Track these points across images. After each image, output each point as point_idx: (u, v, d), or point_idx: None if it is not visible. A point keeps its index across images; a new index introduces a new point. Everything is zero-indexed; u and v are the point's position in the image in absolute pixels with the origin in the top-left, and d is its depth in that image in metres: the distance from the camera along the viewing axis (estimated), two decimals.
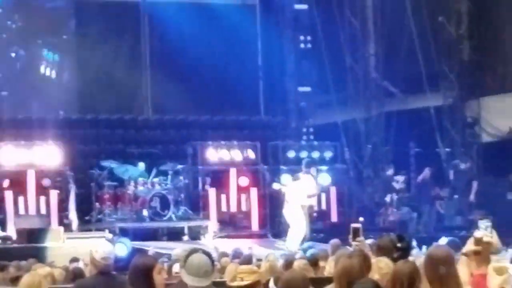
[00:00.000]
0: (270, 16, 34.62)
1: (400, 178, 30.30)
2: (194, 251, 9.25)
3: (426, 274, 8.80)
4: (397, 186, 30.24)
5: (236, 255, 19.73)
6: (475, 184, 29.70)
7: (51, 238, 25.47)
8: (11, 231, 26.99)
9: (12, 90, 32.95)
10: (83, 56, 33.52)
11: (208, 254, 9.16)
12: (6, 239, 26.65)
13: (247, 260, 17.27)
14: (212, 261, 9.23)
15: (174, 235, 27.24)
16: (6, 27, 33.27)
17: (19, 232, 26.56)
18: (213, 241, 26.53)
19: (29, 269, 15.98)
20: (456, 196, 30.08)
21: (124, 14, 34.29)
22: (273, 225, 28.46)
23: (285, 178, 27.21)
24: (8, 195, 27.51)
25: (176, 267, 14.29)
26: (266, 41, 34.64)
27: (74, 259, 18.40)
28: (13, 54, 33.34)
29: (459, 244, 14.13)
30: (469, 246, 9.73)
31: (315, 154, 30.12)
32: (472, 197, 29.65)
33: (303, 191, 25.77)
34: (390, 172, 30.84)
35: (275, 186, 27.11)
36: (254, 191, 29.19)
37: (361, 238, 12.00)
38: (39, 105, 32.97)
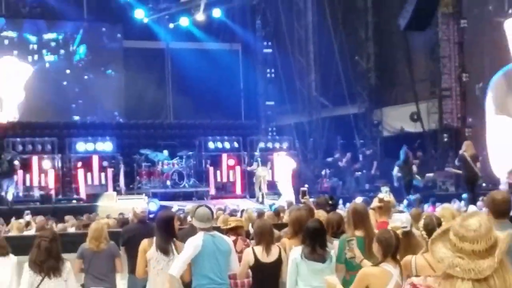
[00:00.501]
0: (248, 56, 34.61)
1: (344, 159, 30.22)
2: (200, 205, 9.27)
3: (353, 220, 8.83)
4: (341, 164, 30.15)
5: (226, 209, 19.75)
6: (375, 164, 29.71)
7: (108, 199, 25.46)
8: (82, 195, 27.02)
9: (84, 101, 32.99)
10: (129, 80, 33.50)
11: (209, 208, 9.19)
12: (79, 200, 26.68)
13: (233, 213, 17.30)
14: (212, 212, 9.25)
15: (187, 197, 27.20)
16: (81, 59, 33.25)
17: (88, 195, 26.54)
18: (212, 200, 26.60)
19: (94, 219, 16.01)
20: (365, 171, 30.06)
21: (155, 54, 34.37)
22: (250, 190, 28.42)
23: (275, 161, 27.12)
24: (80, 172, 27.48)
25: (188, 218, 14.26)
26: (245, 72, 34.68)
27: (121, 213, 18.36)
28: (85, 77, 33.29)
29: (368, 201, 14.15)
30: (375, 203, 9.80)
31: (277, 145, 30.10)
32: (373, 171, 29.69)
33: (287, 168, 25.85)
34: (337, 155, 30.63)
35: (248, 168, 27.33)
36: (238, 168, 29.11)
37: (307, 197, 12.02)
38: (101, 111, 33.02)
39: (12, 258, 10.04)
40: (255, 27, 34.10)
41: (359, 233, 8.72)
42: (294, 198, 21.57)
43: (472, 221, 3.83)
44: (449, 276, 3.82)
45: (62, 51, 33.06)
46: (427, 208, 18.18)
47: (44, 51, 32.74)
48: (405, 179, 23.25)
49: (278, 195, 26.43)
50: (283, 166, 26.08)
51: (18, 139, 27.31)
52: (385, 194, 9.79)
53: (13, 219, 17.75)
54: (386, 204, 9.76)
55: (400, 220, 8.92)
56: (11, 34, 32.28)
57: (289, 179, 25.73)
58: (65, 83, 32.89)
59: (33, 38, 32.60)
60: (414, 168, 23.99)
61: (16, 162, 25.37)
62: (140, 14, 33.23)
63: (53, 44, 32.96)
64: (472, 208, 16.23)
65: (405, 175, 23.33)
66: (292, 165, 26.76)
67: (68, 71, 33.08)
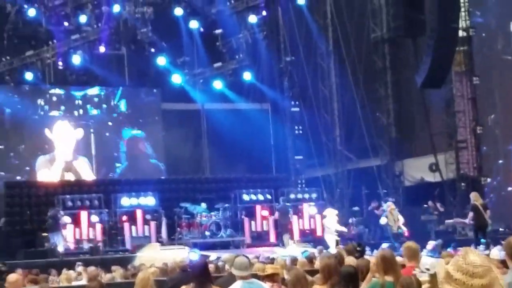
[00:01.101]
0: (277, 115, 34.69)
1: (380, 208, 29.78)
2: (238, 255, 9.29)
3: (382, 266, 8.71)
4: (377, 212, 29.73)
5: (260, 257, 19.59)
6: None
7: (151, 250, 25.38)
8: (128, 246, 26.94)
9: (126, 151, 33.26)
10: (167, 139, 33.74)
11: (246, 257, 9.21)
12: (125, 251, 26.59)
13: (268, 260, 17.16)
14: (249, 261, 9.25)
15: (224, 246, 26.90)
16: (120, 113, 33.55)
17: (133, 247, 26.49)
18: (247, 249, 26.42)
19: (140, 269, 15.93)
20: None
21: (192, 115, 34.59)
22: (281, 238, 28.13)
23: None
24: (126, 225, 27.38)
25: (226, 266, 14.16)
26: (275, 129, 34.67)
27: (165, 263, 18.29)
28: (125, 128, 33.78)
29: (394, 247, 14.01)
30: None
31: (306, 195, 29.98)
32: None
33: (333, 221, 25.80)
34: (373, 204, 30.12)
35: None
36: (271, 218, 28.84)
37: (339, 246, 11.96)
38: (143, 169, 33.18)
39: None
40: (283, 88, 34.32)
41: (389, 278, 8.63)
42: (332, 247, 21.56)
43: (474, 258, 3.80)
44: None
45: (104, 106, 33.50)
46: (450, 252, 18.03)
47: (88, 106, 33.16)
48: (393, 228, 24.65)
49: (310, 243, 26.21)
50: (329, 218, 25.93)
51: (68, 196, 27.37)
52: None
53: (64, 270, 17.76)
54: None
55: (426, 264, 8.80)
56: (59, 91, 32.93)
57: (333, 231, 25.59)
58: (107, 134, 33.22)
59: (78, 95, 33.13)
60: (401, 220, 24.80)
61: (63, 218, 25.57)
62: (177, 79, 33.67)
63: (96, 99, 33.41)
64: (494, 252, 16.08)
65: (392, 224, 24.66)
66: (334, 217, 26.58)
67: (110, 123, 33.45)
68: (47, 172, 31.70)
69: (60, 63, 32.47)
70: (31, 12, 31.22)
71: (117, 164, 33.52)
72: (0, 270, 14.28)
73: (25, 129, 31.97)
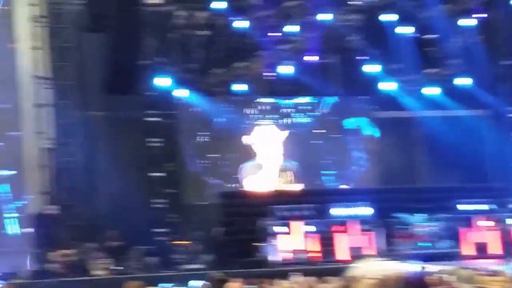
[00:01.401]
0: (498, 121, 33.41)
1: None
2: (461, 267, 9.16)
3: None
4: None
5: (482, 270, 18.99)
6: None
7: (368, 261, 25.22)
8: (342, 257, 26.65)
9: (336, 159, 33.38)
10: (379, 146, 33.62)
11: (472, 269, 9.02)
12: (340, 262, 26.44)
13: (492, 273, 16.61)
14: (475, 274, 9.04)
15: (441, 258, 26.17)
16: (330, 121, 33.71)
17: (349, 257, 26.27)
18: (467, 260, 25.77)
19: (357, 280, 15.79)
20: None
21: (404, 123, 34.15)
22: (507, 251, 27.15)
23: None
24: (340, 236, 27.30)
25: (448, 279, 13.81)
26: (496, 137, 33.07)
27: (383, 275, 18.06)
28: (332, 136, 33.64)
29: None
30: None
31: None
32: None
33: None
34: None
35: None
36: (493, 230, 27.96)
37: None
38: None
39: None
40: (502, 93, 33.23)
41: None
42: None
43: None
44: None
45: (313, 114, 33.69)
46: None
47: (296, 115, 33.53)
48: None
49: None
50: None
51: (280, 206, 27.57)
52: None
53: (278, 281, 17.97)
54: None
55: None
56: (267, 101, 33.37)
57: None
58: (316, 142, 33.42)
59: (286, 104, 33.56)
60: None
61: (276, 228, 26.41)
62: (388, 86, 33.46)
63: (304, 108, 33.70)
64: None
65: None
66: None
67: (319, 131, 33.57)
68: (254, 178, 32.44)
69: (268, 73, 33.15)
70: (239, 24, 31.99)
71: (326, 172, 33.71)
72: (218, 279, 14.67)
73: (234, 138, 32.85)
